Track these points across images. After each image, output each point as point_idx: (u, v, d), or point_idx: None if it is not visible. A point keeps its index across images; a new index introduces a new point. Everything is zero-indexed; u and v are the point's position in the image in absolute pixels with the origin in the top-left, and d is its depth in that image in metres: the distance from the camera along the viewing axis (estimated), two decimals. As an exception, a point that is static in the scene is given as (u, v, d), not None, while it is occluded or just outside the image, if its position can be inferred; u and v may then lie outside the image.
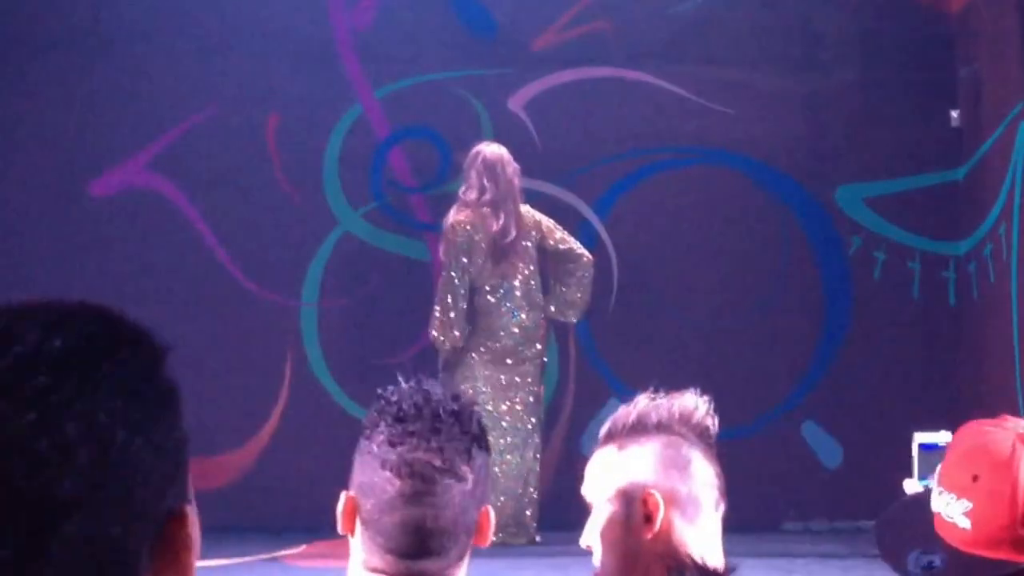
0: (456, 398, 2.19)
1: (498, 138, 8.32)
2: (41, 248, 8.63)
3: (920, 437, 3.22)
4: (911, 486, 2.98)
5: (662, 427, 2.41)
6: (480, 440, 2.19)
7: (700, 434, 2.42)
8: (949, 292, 9.01)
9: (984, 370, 8.39)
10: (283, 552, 7.49)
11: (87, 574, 1.06)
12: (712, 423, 2.44)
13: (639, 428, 2.42)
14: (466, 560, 2.19)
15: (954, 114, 8.91)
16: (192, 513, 1.15)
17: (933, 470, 3.12)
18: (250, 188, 8.84)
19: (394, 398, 2.18)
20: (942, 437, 3.26)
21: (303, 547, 7.55)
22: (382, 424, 2.16)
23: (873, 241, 9.05)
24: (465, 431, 2.16)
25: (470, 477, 2.15)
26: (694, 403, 2.43)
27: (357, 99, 9.04)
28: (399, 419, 2.15)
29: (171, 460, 1.12)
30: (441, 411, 2.15)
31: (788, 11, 9.14)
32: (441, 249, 8.00)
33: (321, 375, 8.88)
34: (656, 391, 2.45)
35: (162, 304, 8.23)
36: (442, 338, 7.83)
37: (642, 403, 2.44)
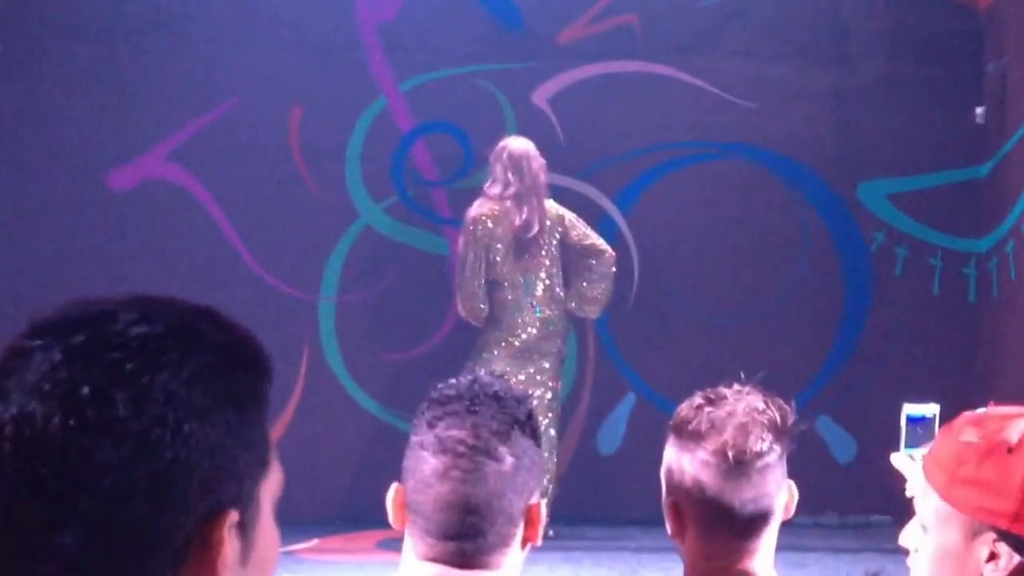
0: (505, 386, 2.21)
1: (521, 132, 8.31)
2: (60, 240, 8.61)
3: (908, 409, 3.24)
4: (898, 459, 3.00)
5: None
6: (524, 426, 2.18)
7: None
8: (970, 289, 8.98)
9: (1004, 366, 8.35)
10: (297, 546, 7.48)
11: (112, 543, 1.11)
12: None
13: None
14: (512, 550, 2.17)
15: (979, 111, 8.86)
16: (259, 525, 1.18)
17: (919, 442, 3.11)
18: (271, 181, 8.81)
19: (441, 386, 2.22)
20: (930, 409, 3.27)
21: (315, 541, 7.54)
22: (427, 411, 2.20)
23: (895, 237, 9.02)
24: (505, 413, 2.16)
25: (508, 459, 2.14)
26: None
27: (381, 92, 9.02)
28: (440, 403, 2.19)
29: (227, 459, 1.16)
30: (481, 394, 2.17)
31: (814, 5, 9.10)
32: (461, 241, 7.99)
33: (337, 369, 8.85)
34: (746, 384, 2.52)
35: (180, 296, 8.22)
36: (465, 312, 7.90)
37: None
